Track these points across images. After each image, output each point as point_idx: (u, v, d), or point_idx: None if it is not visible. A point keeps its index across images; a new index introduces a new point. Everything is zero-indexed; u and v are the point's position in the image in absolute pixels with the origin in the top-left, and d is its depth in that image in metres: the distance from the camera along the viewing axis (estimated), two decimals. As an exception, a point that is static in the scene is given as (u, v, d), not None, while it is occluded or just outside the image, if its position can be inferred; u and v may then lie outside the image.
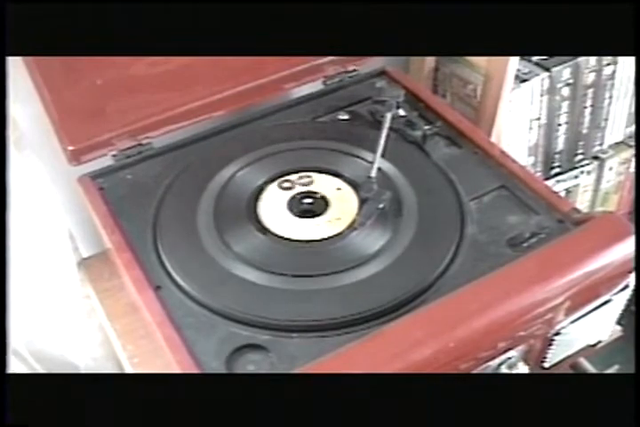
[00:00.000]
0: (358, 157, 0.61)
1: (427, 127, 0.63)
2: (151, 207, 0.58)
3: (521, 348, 0.51)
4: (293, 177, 0.60)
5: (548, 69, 0.76)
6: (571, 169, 0.89)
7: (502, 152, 0.61)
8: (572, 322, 0.52)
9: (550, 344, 0.54)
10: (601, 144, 0.89)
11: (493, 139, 0.74)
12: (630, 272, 0.51)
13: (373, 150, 0.59)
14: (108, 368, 0.79)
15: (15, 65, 0.53)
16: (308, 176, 0.60)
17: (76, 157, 0.61)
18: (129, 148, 0.63)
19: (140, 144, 0.64)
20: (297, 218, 0.57)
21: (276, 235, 0.55)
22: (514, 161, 0.60)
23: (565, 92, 0.79)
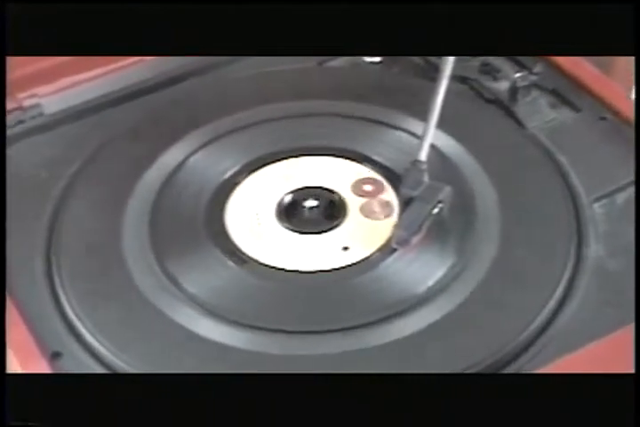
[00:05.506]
0: (397, 127, 0.63)
1: (518, 75, 0.65)
2: (42, 218, 0.59)
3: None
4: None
5: None
6: None
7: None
8: None
9: None
10: None
11: (634, 96, 0.75)
12: None
13: (423, 117, 0.58)
14: None
15: None
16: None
17: None
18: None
19: (21, 107, 0.65)
20: (293, 233, 0.58)
21: (259, 262, 0.56)
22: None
23: None
